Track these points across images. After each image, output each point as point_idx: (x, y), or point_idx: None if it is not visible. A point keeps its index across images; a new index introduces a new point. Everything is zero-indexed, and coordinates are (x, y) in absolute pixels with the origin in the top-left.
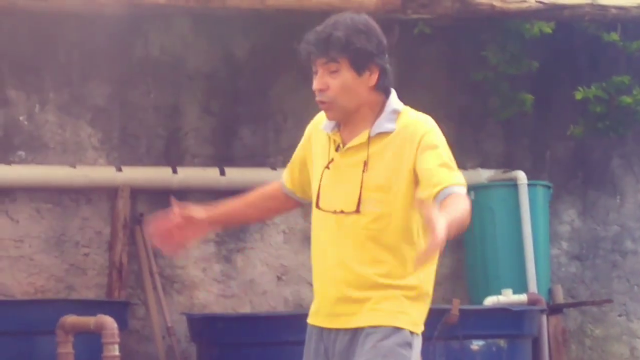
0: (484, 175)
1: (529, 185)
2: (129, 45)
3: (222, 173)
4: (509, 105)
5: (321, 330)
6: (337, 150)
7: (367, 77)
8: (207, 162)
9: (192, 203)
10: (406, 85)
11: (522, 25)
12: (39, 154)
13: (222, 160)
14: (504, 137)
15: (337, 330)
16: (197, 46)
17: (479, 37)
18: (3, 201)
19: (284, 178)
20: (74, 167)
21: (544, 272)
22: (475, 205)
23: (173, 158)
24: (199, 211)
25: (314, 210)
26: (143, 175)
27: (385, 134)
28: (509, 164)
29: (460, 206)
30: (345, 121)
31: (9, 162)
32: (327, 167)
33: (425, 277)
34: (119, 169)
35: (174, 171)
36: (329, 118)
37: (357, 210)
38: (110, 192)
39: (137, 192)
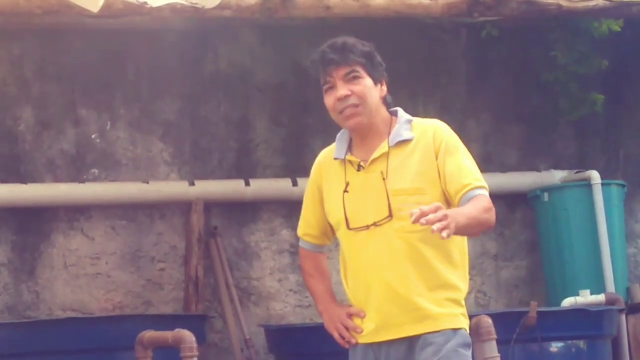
0: (557, 176)
1: (602, 184)
2: (197, 60)
3: (295, 184)
4: (580, 105)
5: (369, 344)
6: (358, 169)
7: (379, 87)
8: (278, 173)
9: (265, 214)
10: (476, 88)
11: (591, 23)
12: (111, 171)
13: (293, 171)
14: (576, 137)
15: (390, 341)
16: (264, 58)
17: (547, 37)
18: (78, 219)
19: (307, 240)
20: (147, 182)
21: (621, 272)
22: (550, 207)
23: (245, 170)
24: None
25: (345, 233)
26: (216, 188)
27: (405, 142)
28: (582, 164)
29: (479, 204)
30: (363, 135)
31: (82, 180)
32: (346, 190)
33: (465, 278)
34: (192, 183)
35: (247, 183)
36: (354, 126)
37: (390, 216)
38: (184, 207)
39: (211, 205)
